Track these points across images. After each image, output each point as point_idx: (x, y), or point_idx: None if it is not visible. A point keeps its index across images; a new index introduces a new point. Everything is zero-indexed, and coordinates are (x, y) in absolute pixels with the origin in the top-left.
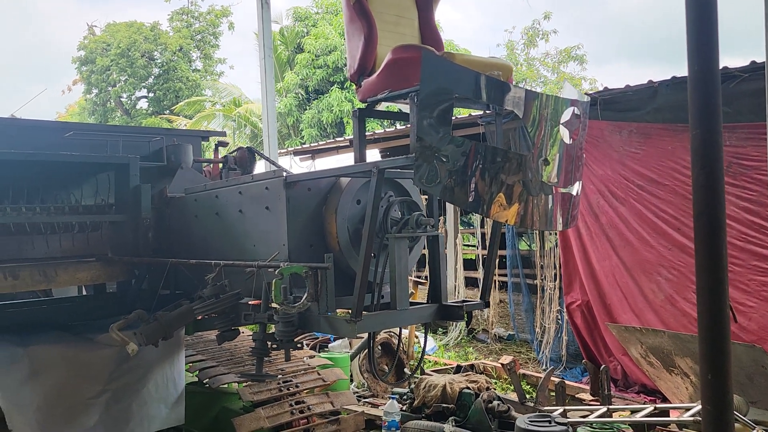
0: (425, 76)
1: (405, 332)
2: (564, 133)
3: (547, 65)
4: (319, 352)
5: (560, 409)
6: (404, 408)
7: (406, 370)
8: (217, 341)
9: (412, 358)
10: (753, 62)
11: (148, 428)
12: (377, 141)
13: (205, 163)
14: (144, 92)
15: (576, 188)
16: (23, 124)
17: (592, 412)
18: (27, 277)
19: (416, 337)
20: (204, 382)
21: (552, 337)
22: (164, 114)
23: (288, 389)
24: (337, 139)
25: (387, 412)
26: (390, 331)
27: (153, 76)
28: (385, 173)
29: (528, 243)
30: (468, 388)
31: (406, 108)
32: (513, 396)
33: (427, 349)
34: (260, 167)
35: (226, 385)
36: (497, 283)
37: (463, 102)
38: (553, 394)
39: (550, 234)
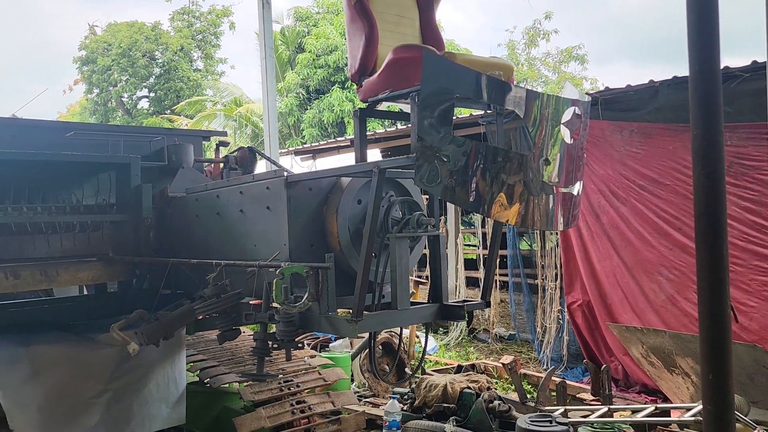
0: (426, 75)
1: (406, 332)
2: (565, 133)
3: (548, 65)
4: (320, 352)
5: (561, 409)
6: (405, 408)
7: (407, 369)
8: (218, 341)
9: (413, 358)
10: (754, 62)
11: (149, 428)
12: (378, 141)
13: (206, 163)
14: (145, 92)
15: (577, 188)
16: (24, 124)
17: (593, 412)
18: (28, 276)
19: (417, 336)
20: (205, 381)
21: (553, 336)
22: (165, 114)
23: (289, 389)
24: (338, 138)
25: (388, 412)
26: (391, 331)
27: (154, 76)
28: (386, 173)
29: (529, 243)
30: (469, 387)
31: (407, 108)
32: (514, 396)
33: (428, 348)
34: (261, 167)
35: (227, 385)
36: (498, 282)
37: (464, 102)
38: (554, 394)
39: (551, 234)
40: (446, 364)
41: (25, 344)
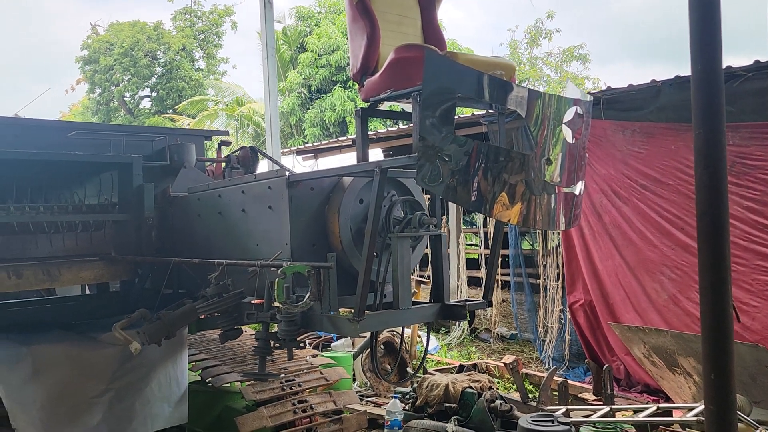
0: (428, 75)
1: (408, 331)
2: (567, 133)
3: (550, 64)
4: (321, 351)
5: (563, 409)
6: (407, 407)
7: (408, 369)
8: (220, 340)
9: (414, 358)
10: (756, 61)
11: (152, 427)
12: (380, 140)
13: (208, 163)
14: (147, 91)
15: (579, 188)
16: (27, 124)
17: (594, 411)
18: (30, 276)
19: (419, 336)
20: (207, 381)
21: (555, 336)
22: (167, 113)
23: (291, 388)
24: (340, 138)
25: (390, 412)
26: (392, 331)
27: (156, 76)
28: (387, 172)
29: (531, 242)
30: (471, 387)
31: (408, 107)
32: (516, 395)
33: (429, 348)
34: (263, 166)
35: (229, 384)
36: (500, 282)
37: (466, 101)
38: (556, 393)
39: (553, 233)
40: (448, 364)
41: (27, 343)
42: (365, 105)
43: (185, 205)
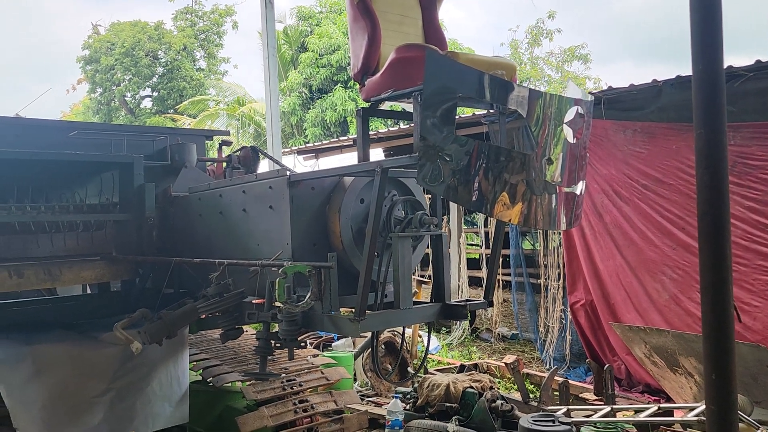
0: (429, 75)
1: (408, 331)
2: (568, 133)
3: (551, 64)
4: (322, 351)
5: (564, 409)
6: (408, 407)
7: (409, 369)
8: (220, 340)
9: (415, 357)
10: (758, 61)
11: (152, 426)
12: (381, 140)
13: (209, 162)
14: (148, 91)
15: (580, 187)
16: (28, 124)
17: (595, 411)
18: (32, 275)
19: (420, 336)
20: (208, 380)
21: (555, 336)
22: (168, 113)
23: (291, 388)
24: (341, 138)
25: (390, 411)
26: (393, 330)
27: (157, 75)
28: (388, 172)
29: (531, 242)
30: (471, 387)
31: (409, 107)
32: (516, 395)
33: (430, 348)
34: (264, 166)
35: (229, 384)
36: (501, 282)
37: (467, 101)
38: (557, 393)
39: (554, 233)
40: (449, 364)
41: (28, 343)
42: (366, 105)
43: (186, 204)
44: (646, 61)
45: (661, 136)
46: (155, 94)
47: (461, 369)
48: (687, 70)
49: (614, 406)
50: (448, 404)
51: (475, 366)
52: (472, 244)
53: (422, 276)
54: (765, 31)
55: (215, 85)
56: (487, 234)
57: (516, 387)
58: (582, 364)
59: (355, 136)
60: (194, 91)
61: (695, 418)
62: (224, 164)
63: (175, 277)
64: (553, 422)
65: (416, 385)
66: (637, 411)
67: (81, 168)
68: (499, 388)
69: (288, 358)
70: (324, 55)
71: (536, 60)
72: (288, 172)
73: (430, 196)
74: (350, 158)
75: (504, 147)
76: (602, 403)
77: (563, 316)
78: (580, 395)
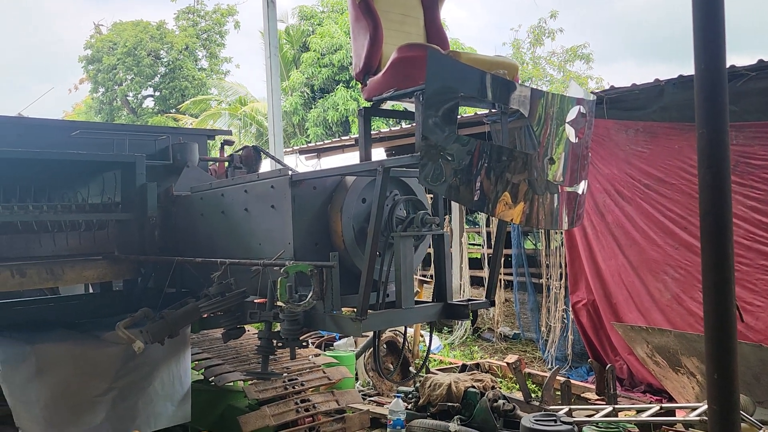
0: (431, 74)
1: (410, 331)
2: (570, 132)
3: (553, 64)
4: (324, 351)
5: (566, 409)
6: (409, 407)
7: (411, 368)
8: (222, 339)
9: (417, 357)
10: (760, 60)
11: (155, 426)
12: (383, 140)
13: (211, 162)
14: (150, 91)
15: (582, 187)
16: (30, 123)
17: (597, 411)
18: (34, 275)
19: (421, 335)
20: (210, 380)
21: (557, 336)
22: (170, 113)
23: (293, 387)
24: (343, 137)
25: (392, 411)
26: (395, 330)
27: (159, 75)
28: (390, 172)
29: (533, 242)
30: (473, 387)
31: (411, 107)
32: (518, 395)
33: (432, 347)
34: (266, 166)
35: (231, 383)
36: (502, 281)
37: (469, 101)
38: (559, 393)
39: (556, 233)
40: (450, 363)
41: (30, 342)
42: (368, 104)
43: (188, 204)
44: (648, 61)
45: (664, 136)
46: (157, 93)
47: (463, 369)
48: (689, 69)
49: (616, 406)
50: (449, 404)
51: (477, 366)
52: (473, 244)
53: (424, 275)
54: (767, 30)
55: (217, 84)
56: (488, 234)
57: (518, 387)
58: (584, 363)
59: (357, 135)
60: (196, 91)
61: (697, 418)
62: (226, 164)
63: (177, 277)
64: (555, 422)
65: (418, 384)
66: (639, 411)
67: (83, 167)
68: (500, 388)
69: (290, 358)
70: (326, 54)
71: (538, 59)
72: (290, 172)
73: (431, 195)
74: (352, 158)
75: (506, 147)
76: (604, 402)
77: (565, 316)
78: (582, 395)
